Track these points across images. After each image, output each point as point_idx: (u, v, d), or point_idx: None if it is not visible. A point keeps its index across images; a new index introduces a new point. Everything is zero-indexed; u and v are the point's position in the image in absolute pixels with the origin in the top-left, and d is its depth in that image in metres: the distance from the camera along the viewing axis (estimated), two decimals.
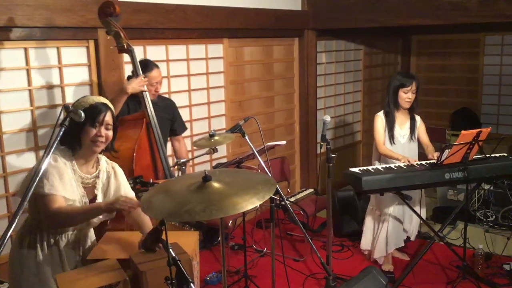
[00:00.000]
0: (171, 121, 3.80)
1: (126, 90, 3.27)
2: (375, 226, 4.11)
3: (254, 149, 3.00)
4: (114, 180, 2.44)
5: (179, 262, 1.64)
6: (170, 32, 4.36)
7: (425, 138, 4.03)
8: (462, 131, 3.35)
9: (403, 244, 4.15)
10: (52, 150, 1.80)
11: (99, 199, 2.36)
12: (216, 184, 1.97)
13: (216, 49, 4.92)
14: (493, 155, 3.76)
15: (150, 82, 3.49)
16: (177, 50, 4.55)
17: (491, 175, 3.62)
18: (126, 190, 2.49)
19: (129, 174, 2.89)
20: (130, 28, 3.97)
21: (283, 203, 4.10)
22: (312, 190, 4.79)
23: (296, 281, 3.91)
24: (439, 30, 7.27)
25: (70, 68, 3.79)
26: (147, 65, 3.56)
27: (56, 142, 1.83)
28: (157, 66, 3.65)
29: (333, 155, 3.44)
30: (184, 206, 1.86)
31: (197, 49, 4.73)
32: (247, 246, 4.49)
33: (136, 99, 3.50)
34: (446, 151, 3.42)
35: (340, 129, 6.70)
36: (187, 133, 4.28)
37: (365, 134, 7.15)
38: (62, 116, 1.94)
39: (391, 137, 3.98)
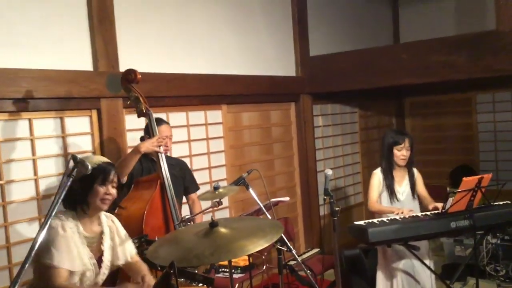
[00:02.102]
0: (183, 179, 3.83)
1: (139, 149, 3.35)
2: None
3: (260, 203, 3.00)
4: (117, 236, 2.43)
5: None
6: (171, 100, 4.49)
7: (423, 191, 4.02)
8: (464, 178, 3.38)
9: None
10: (59, 200, 1.81)
11: (106, 256, 2.34)
12: (223, 229, 1.98)
13: (215, 115, 5.04)
14: (496, 203, 3.76)
15: (160, 136, 3.57)
16: (178, 117, 4.66)
17: (497, 221, 3.61)
18: (129, 246, 2.48)
19: (138, 235, 2.88)
20: (126, 98, 4.11)
21: (289, 263, 4.05)
22: (318, 249, 4.72)
23: None
24: (431, 91, 7.49)
25: (74, 138, 3.86)
26: (156, 121, 3.66)
27: (64, 193, 1.84)
28: (167, 123, 3.78)
29: (337, 209, 3.43)
30: (192, 252, 1.87)
31: (196, 116, 4.85)
32: None
33: (149, 158, 3.59)
34: (450, 199, 3.43)
35: (341, 191, 6.70)
36: None
37: (366, 195, 7.13)
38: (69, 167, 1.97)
39: (391, 194, 3.97)
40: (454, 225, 3.49)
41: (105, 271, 2.34)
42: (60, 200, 1.81)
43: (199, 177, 4.81)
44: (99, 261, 2.35)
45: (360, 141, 7.12)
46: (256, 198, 3.02)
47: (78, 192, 2.14)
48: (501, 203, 3.79)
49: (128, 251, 2.51)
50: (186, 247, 1.88)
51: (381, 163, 4.05)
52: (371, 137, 7.39)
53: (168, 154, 3.85)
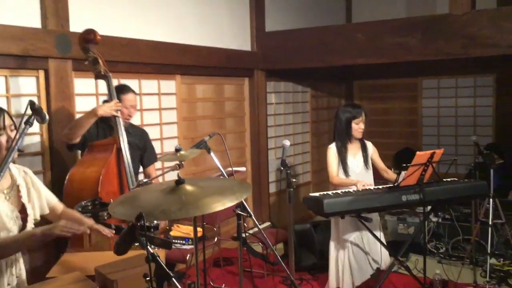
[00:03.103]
0: (141, 150, 3.72)
1: (96, 112, 3.22)
2: (339, 261, 4.03)
3: (221, 168, 2.95)
4: (34, 190, 2.26)
5: (158, 258, 1.53)
6: (123, 65, 4.31)
7: (380, 164, 4.10)
8: (417, 152, 3.46)
9: (368, 277, 4.01)
10: (16, 147, 1.67)
11: (29, 208, 2.19)
12: (189, 187, 1.90)
13: (169, 85, 4.90)
14: (444, 179, 3.89)
15: (125, 105, 3.49)
16: (130, 84, 4.42)
17: (446, 197, 3.73)
18: (48, 196, 2.35)
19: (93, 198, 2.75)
20: (81, 59, 3.90)
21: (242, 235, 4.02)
22: (269, 223, 4.73)
23: None
24: (379, 75, 7.65)
25: (18, 98, 3.63)
26: (123, 88, 3.57)
27: (21, 140, 1.70)
28: (133, 91, 3.64)
29: (293, 180, 3.43)
30: (158, 207, 1.78)
31: (150, 84, 4.70)
32: (203, 284, 4.32)
33: (108, 124, 3.44)
34: (403, 173, 3.50)
35: (290, 169, 6.73)
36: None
37: (314, 174, 7.24)
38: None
39: (345, 169, 4.02)
40: (405, 199, 3.58)
41: (31, 224, 2.20)
42: (16, 148, 1.67)
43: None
44: (22, 214, 2.19)
45: (311, 121, 7.18)
46: (217, 163, 2.96)
47: None
48: (449, 179, 3.92)
49: (49, 199, 2.36)
50: (152, 203, 1.79)
51: (335, 138, 4.06)
52: (321, 118, 7.47)
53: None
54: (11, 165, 2.24)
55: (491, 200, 4.06)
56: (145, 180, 3.01)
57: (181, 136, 5.01)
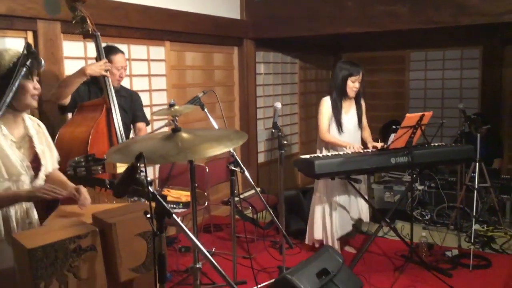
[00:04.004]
0: (133, 110, 3.70)
1: (85, 71, 3.19)
2: (324, 216, 4.12)
3: (215, 124, 2.97)
4: (45, 141, 2.28)
5: (158, 196, 1.55)
6: (112, 29, 4.26)
7: (365, 121, 4.18)
8: (407, 114, 3.50)
9: (349, 230, 4.18)
10: (14, 88, 1.66)
11: (43, 159, 2.20)
12: (186, 135, 1.92)
13: (158, 51, 4.87)
14: (432, 144, 3.96)
15: (115, 66, 3.45)
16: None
17: (433, 160, 3.80)
18: (55, 153, 2.37)
19: None
20: (71, 21, 3.85)
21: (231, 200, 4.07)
22: (259, 189, 4.77)
23: (248, 276, 3.82)
24: (366, 48, 7.67)
25: None
26: (112, 49, 3.53)
27: (17, 82, 1.69)
28: (122, 52, 3.60)
29: (284, 142, 3.46)
30: (156, 152, 1.80)
31: (139, 50, 4.66)
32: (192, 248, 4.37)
33: (99, 86, 3.42)
34: (392, 135, 3.55)
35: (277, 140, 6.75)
36: None
37: (302, 146, 7.28)
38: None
39: (339, 125, 4.03)
40: (394, 161, 3.64)
41: (43, 175, 2.20)
42: (14, 89, 1.66)
43: None
44: (35, 165, 2.20)
45: (299, 92, 7.19)
46: (211, 119, 2.97)
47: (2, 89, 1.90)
48: (437, 144, 3.99)
49: (55, 158, 2.38)
50: (150, 149, 1.80)
51: (331, 93, 4.07)
52: (309, 90, 7.49)
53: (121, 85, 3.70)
54: (26, 116, 2.25)
55: (477, 164, 4.14)
56: (136, 138, 3.00)
57: None
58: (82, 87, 3.40)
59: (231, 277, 3.14)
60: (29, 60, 1.74)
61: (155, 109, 4.83)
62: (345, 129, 4.01)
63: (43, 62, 1.84)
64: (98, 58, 3.36)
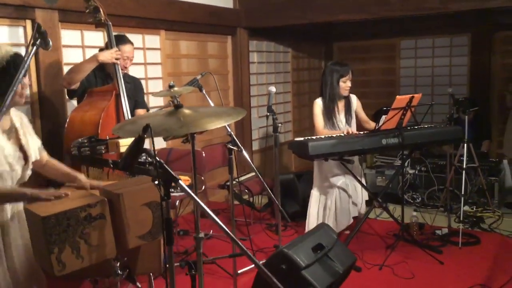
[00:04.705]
0: (135, 98, 3.79)
1: (97, 57, 3.30)
2: (321, 208, 4.21)
3: (211, 102, 3.07)
4: (28, 132, 2.34)
5: (165, 165, 1.65)
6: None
7: (363, 116, 4.28)
8: (397, 96, 3.63)
9: (352, 220, 4.22)
10: (26, 66, 1.75)
11: (28, 149, 2.27)
12: (187, 111, 2.02)
13: (153, 40, 4.95)
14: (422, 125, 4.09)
15: (122, 56, 3.53)
16: None
17: (423, 141, 3.93)
18: (38, 144, 2.39)
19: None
20: (68, 11, 3.94)
21: (227, 183, 4.18)
22: (254, 173, 4.88)
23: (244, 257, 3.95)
24: (358, 36, 7.78)
25: None
26: (121, 39, 3.62)
27: (28, 61, 1.78)
28: (131, 42, 3.70)
29: (279, 124, 3.58)
30: (160, 126, 1.90)
31: (134, 39, 4.70)
32: (190, 232, 4.49)
33: (105, 72, 3.54)
34: (383, 117, 3.68)
35: (272, 128, 6.85)
36: None
37: (295, 134, 7.39)
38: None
39: (332, 125, 4.15)
40: (385, 142, 3.77)
41: (30, 165, 2.28)
42: (26, 66, 1.75)
43: None
44: (23, 154, 2.27)
45: (292, 81, 7.30)
46: (209, 100, 3.07)
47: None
48: (426, 125, 4.12)
49: (37, 147, 2.39)
50: (154, 123, 1.89)
51: (324, 94, 4.16)
52: (302, 78, 7.60)
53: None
54: (12, 109, 2.32)
55: (465, 145, 4.27)
56: None
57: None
58: (90, 73, 3.50)
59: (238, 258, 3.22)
60: (39, 40, 1.83)
61: (151, 97, 4.92)
62: (341, 127, 4.12)
63: (50, 43, 1.93)
64: (109, 46, 3.45)
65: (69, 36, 4.10)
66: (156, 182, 1.62)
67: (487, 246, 4.13)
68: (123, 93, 3.40)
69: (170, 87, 2.69)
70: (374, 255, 3.91)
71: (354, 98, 4.31)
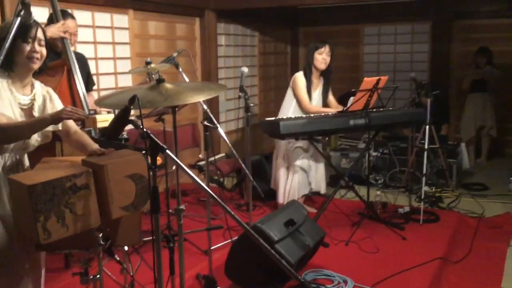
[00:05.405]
0: (85, 75, 3.71)
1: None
2: (287, 179, 4.37)
3: (188, 80, 3.09)
4: (50, 104, 2.38)
5: (151, 135, 1.69)
6: None
7: (334, 101, 4.44)
8: (365, 78, 3.75)
9: (307, 192, 4.50)
10: (11, 37, 1.75)
11: None
12: (169, 85, 2.06)
13: (122, 19, 4.91)
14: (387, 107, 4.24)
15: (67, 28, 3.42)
16: (83, 16, 4.46)
17: (389, 122, 4.08)
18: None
19: None
20: None
21: (199, 163, 4.22)
22: (224, 154, 4.94)
23: (216, 234, 4.01)
24: (323, 22, 7.90)
25: None
26: (65, 13, 3.48)
27: (13, 32, 1.77)
28: (73, 17, 3.58)
29: (251, 105, 3.64)
30: (144, 98, 1.93)
31: (103, 17, 4.69)
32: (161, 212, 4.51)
33: (54, 50, 3.41)
34: (351, 98, 3.79)
35: (236, 111, 6.90)
36: None
37: (261, 117, 7.46)
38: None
39: (309, 98, 4.27)
40: (352, 123, 3.89)
41: (37, 137, 2.29)
42: (11, 37, 1.75)
43: (105, 82, 4.74)
44: None
45: (258, 65, 7.36)
46: (185, 78, 3.10)
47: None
48: (391, 108, 4.27)
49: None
50: (138, 96, 1.93)
51: (305, 68, 4.29)
52: (268, 63, 7.67)
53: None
54: (35, 82, 2.31)
55: (427, 126, 4.45)
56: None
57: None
58: None
59: (205, 236, 3.27)
60: (23, 11, 1.82)
61: (119, 76, 4.89)
62: (314, 103, 4.24)
63: (32, 16, 1.92)
64: (55, 20, 3.28)
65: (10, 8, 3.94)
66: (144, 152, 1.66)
67: (446, 223, 4.35)
68: (75, 68, 3.27)
69: (147, 63, 2.72)
70: (340, 232, 4.05)
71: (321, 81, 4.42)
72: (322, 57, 4.20)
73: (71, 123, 2.41)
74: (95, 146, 2.24)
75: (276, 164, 4.48)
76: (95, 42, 4.60)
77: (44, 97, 2.37)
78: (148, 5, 5.12)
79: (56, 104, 2.43)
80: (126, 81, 4.97)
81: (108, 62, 4.76)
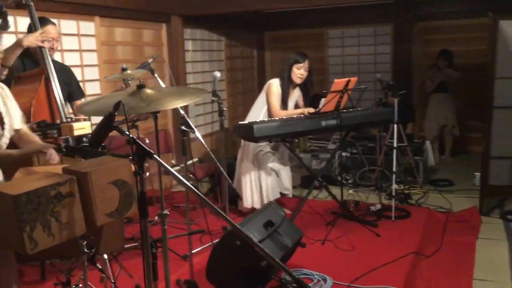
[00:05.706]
0: (67, 85, 3.65)
1: (21, 43, 3.12)
2: (255, 183, 4.41)
3: (163, 85, 3.08)
4: (8, 102, 2.33)
5: (138, 140, 1.70)
6: (42, 3, 4.20)
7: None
8: (335, 80, 3.83)
9: (278, 195, 4.52)
10: None
11: (5, 118, 2.24)
12: (149, 91, 2.06)
13: (88, 26, 4.85)
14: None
15: (47, 37, 3.38)
16: None
17: (359, 122, 4.18)
18: (19, 112, 2.39)
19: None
20: None
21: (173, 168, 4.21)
22: (197, 159, 4.94)
23: (194, 239, 4.01)
24: (288, 26, 8.00)
25: None
26: (43, 20, 3.45)
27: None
28: (53, 23, 3.55)
29: (225, 109, 3.67)
30: (127, 105, 1.93)
31: (69, 25, 4.62)
32: (133, 219, 4.49)
33: (32, 58, 3.37)
34: (323, 100, 3.87)
35: (207, 116, 6.91)
36: None
37: (230, 122, 7.49)
38: None
39: (285, 106, 4.32)
40: (324, 124, 3.97)
41: (7, 134, 2.25)
42: None
43: None
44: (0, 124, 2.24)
45: (226, 69, 7.39)
46: (161, 83, 3.09)
47: None
48: (360, 108, 4.38)
49: (19, 117, 2.39)
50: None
51: (282, 78, 4.32)
52: (235, 67, 7.71)
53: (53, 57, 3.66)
54: None
55: (395, 126, 4.58)
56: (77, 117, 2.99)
57: (103, 79, 5.00)
58: (17, 61, 3.33)
59: (185, 242, 3.28)
60: (0, 20, 1.80)
61: (87, 84, 4.82)
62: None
63: (9, 24, 1.89)
64: (33, 29, 3.29)
65: None
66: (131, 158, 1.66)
67: (417, 219, 4.48)
68: (53, 76, 3.25)
69: (123, 70, 2.71)
70: (316, 231, 4.11)
71: (297, 90, 4.49)
72: (300, 72, 4.27)
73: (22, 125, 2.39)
74: (40, 142, 2.27)
75: (241, 167, 4.49)
76: (62, 50, 4.53)
77: (2, 95, 2.31)
78: (115, 11, 5.08)
79: (11, 100, 2.37)
80: (94, 89, 4.91)
81: (76, 70, 4.66)
